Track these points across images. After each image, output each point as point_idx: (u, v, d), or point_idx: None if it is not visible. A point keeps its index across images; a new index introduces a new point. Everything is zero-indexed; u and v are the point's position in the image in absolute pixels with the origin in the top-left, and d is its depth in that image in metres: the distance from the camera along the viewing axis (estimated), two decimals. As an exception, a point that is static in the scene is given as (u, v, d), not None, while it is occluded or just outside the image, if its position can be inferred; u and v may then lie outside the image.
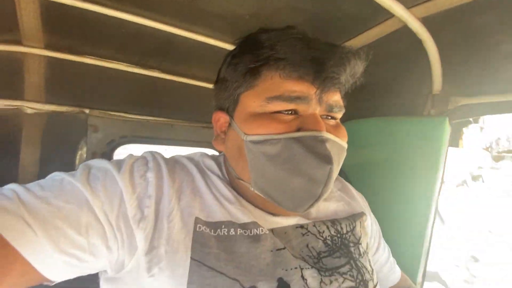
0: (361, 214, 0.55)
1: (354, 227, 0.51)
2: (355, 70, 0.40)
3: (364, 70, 0.42)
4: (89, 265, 0.36)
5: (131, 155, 0.45)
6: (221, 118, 0.48)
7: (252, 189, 0.43)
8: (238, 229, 0.41)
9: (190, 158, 0.51)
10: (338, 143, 0.42)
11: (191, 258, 0.37)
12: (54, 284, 0.35)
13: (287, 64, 0.39)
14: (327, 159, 0.39)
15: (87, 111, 0.83)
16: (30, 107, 0.75)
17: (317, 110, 0.41)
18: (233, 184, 0.48)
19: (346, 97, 0.47)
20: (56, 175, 0.38)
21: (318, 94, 0.40)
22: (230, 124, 0.46)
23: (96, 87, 0.82)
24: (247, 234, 0.42)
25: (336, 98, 0.43)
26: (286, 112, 0.41)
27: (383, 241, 0.62)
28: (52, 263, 0.32)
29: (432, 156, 0.66)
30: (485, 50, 0.57)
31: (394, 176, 0.75)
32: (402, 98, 0.75)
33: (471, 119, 0.68)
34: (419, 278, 0.70)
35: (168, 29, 0.64)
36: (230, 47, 0.84)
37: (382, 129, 0.79)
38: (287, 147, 0.39)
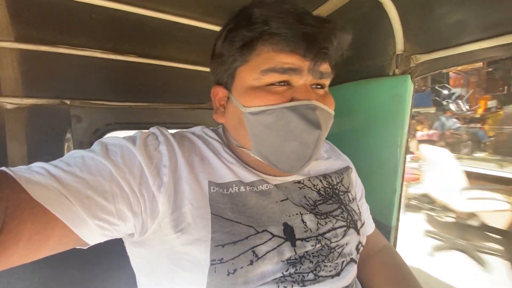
0: (347, 168, 0.63)
1: (342, 179, 0.59)
2: (341, 43, 0.45)
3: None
4: (119, 229, 0.40)
5: (140, 131, 0.48)
6: (219, 92, 0.51)
7: (253, 155, 0.49)
8: (247, 187, 0.48)
9: (192, 131, 0.55)
10: (326, 111, 0.47)
11: (211, 213, 0.43)
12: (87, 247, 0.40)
13: (280, 39, 0.42)
14: (316, 125, 0.44)
15: (68, 102, 0.83)
16: (10, 102, 0.75)
17: (308, 80, 0.46)
18: (234, 152, 0.53)
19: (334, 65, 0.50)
20: (76, 153, 0.41)
21: (309, 66, 0.44)
22: (228, 98, 0.49)
23: (74, 77, 0.82)
24: (254, 190, 0.48)
25: (325, 66, 0.47)
26: (279, 84, 0.45)
27: (364, 194, 0.70)
28: (88, 227, 0.37)
29: (399, 110, 0.73)
30: (439, 8, 0.62)
31: (369, 131, 0.82)
32: (370, 61, 0.80)
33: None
34: (394, 222, 0.79)
35: (138, 11, 0.65)
36: (205, 25, 0.86)
37: (355, 92, 0.85)
38: (282, 116, 0.44)
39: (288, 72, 0.44)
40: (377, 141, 0.80)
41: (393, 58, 0.74)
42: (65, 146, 0.85)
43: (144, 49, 0.83)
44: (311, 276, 0.46)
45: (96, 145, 0.43)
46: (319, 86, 0.49)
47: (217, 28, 0.89)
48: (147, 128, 0.51)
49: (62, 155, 0.85)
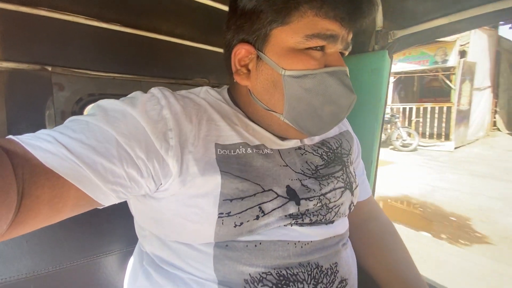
0: (347, 132, 0.67)
1: (341, 143, 0.63)
2: (373, 12, 0.47)
3: None
4: (132, 190, 0.41)
5: (141, 93, 0.47)
6: (243, 51, 0.48)
7: (283, 118, 0.49)
8: (253, 149, 0.49)
9: (196, 93, 0.54)
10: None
11: (220, 170, 0.44)
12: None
13: (325, 3, 0.42)
14: (351, 90, 0.48)
15: (49, 68, 0.81)
16: (-13, 64, 0.72)
17: (339, 48, 0.47)
18: (247, 112, 0.53)
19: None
20: (78, 118, 0.41)
21: (343, 34, 0.46)
22: (258, 58, 0.48)
23: (55, 42, 0.79)
24: (259, 152, 0.50)
25: (351, 37, 0.49)
26: (316, 49, 0.45)
27: (360, 156, 0.73)
28: (102, 191, 0.38)
29: (377, 84, 0.77)
30: None
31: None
32: (353, 37, 0.83)
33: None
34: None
35: None
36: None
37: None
38: (322, 81, 0.45)
39: (329, 39, 0.44)
40: (357, 114, 0.84)
41: (372, 35, 0.78)
42: (46, 114, 0.84)
43: (131, 18, 0.82)
44: (307, 221, 0.50)
45: (95, 109, 0.43)
46: (341, 54, 0.50)
47: (209, 2, 0.90)
48: None
49: (43, 123, 0.84)
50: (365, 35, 0.78)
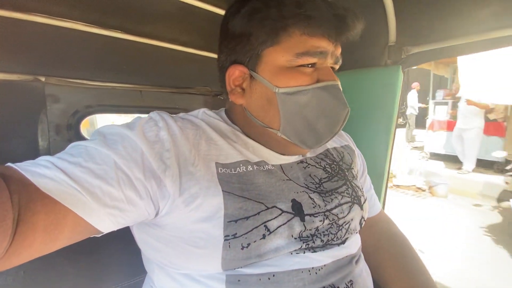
0: (348, 146, 0.67)
1: (343, 156, 0.63)
2: (359, 29, 0.48)
3: None
4: (130, 215, 0.40)
5: (139, 117, 0.47)
6: (236, 72, 0.50)
7: (280, 134, 0.50)
8: (254, 166, 0.49)
9: (194, 115, 0.54)
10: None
11: (222, 190, 0.44)
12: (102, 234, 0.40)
13: (311, 22, 0.44)
14: (344, 103, 0.48)
15: (42, 79, 0.74)
16: (-26, 75, 0.65)
17: (330, 63, 0.49)
18: (245, 131, 0.54)
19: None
20: (77, 144, 0.41)
21: (332, 49, 0.47)
22: (252, 78, 0.49)
23: (50, 51, 0.73)
24: (260, 169, 0.49)
25: (340, 51, 0.50)
26: (307, 66, 0.47)
27: (366, 171, 0.73)
28: (99, 215, 0.37)
29: (389, 100, 0.77)
30: (433, 2, 0.66)
31: (360, 119, 0.86)
32: (363, 51, 0.83)
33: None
34: (381, 206, 0.84)
35: None
36: (199, 4, 0.81)
37: (348, 81, 0.87)
38: (315, 96, 0.47)
39: (319, 56, 0.46)
40: (368, 129, 0.84)
41: (385, 49, 0.77)
42: (39, 128, 0.77)
43: (131, 25, 0.76)
44: (319, 242, 0.49)
45: (94, 136, 0.43)
46: (332, 69, 0.52)
47: (211, 8, 0.86)
48: (132, 112, 0.49)
49: (35, 137, 0.77)
50: (378, 49, 0.78)
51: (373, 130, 0.82)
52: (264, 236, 0.43)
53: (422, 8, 0.68)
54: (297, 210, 0.47)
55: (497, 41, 0.59)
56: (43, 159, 0.38)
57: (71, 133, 0.79)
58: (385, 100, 0.78)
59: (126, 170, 0.39)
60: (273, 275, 0.44)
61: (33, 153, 0.75)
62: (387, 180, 0.83)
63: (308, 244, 0.47)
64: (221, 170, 0.46)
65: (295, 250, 0.46)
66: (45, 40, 0.69)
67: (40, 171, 0.35)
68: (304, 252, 0.47)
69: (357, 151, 0.70)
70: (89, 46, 0.75)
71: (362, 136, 0.86)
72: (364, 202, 0.58)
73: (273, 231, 0.44)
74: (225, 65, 0.52)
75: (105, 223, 0.38)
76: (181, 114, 0.53)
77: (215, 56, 1.03)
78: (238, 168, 0.47)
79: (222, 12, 0.87)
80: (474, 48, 0.63)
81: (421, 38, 0.71)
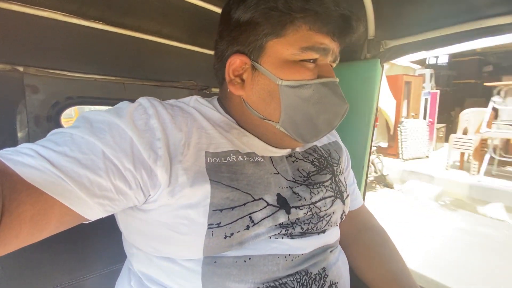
0: (335, 142, 0.69)
1: (330, 152, 0.64)
2: (360, 31, 0.50)
3: None
4: (120, 203, 0.40)
5: (127, 103, 0.46)
6: (237, 62, 0.49)
7: (278, 127, 0.50)
8: (244, 156, 0.49)
9: (185, 102, 0.53)
10: None
11: (210, 179, 0.44)
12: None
13: (318, 19, 0.45)
14: (344, 99, 0.50)
15: (21, 69, 0.74)
16: None
17: (330, 60, 0.50)
18: (240, 121, 0.53)
19: None
20: (61, 131, 0.40)
21: (334, 48, 0.48)
22: (253, 69, 0.49)
23: (28, 40, 0.72)
24: (250, 160, 0.49)
25: (339, 50, 0.51)
26: (309, 61, 0.47)
27: (350, 166, 0.74)
28: (88, 206, 0.36)
29: (369, 92, 0.78)
30: None
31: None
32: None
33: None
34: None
35: None
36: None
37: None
38: (317, 91, 0.47)
39: (321, 52, 0.47)
40: (348, 122, 0.85)
41: (364, 43, 0.79)
42: (18, 119, 0.76)
43: (113, 16, 0.76)
44: (299, 229, 0.50)
45: (79, 121, 0.41)
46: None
47: (196, 2, 0.86)
48: (114, 105, 0.48)
49: (14, 129, 0.76)
50: (357, 43, 0.79)
51: (353, 123, 0.83)
52: (248, 227, 0.44)
53: (400, 2, 0.70)
54: (282, 203, 0.48)
55: (471, 33, 0.61)
56: (25, 147, 0.36)
57: (51, 124, 0.79)
58: (365, 94, 0.80)
59: (115, 161, 0.38)
60: (249, 258, 0.45)
61: (11, 144, 0.74)
62: (367, 172, 0.84)
63: (288, 230, 0.48)
64: (210, 159, 0.46)
65: (274, 235, 0.47)
66: (23, 29, 0.69)
67: (23, 160, 0.34)
68: (282, 238, 0.47)
69: (344, 148, 0.72)
70: (68, 37, 0.75)
71: (342, 129, 0.87)
72: (346, 198, 0.60)
73: (257, 222, 0.45)
74: (225, 54, 0.51)
75: (93, 212, 0.38)
76: (171, 101, 0.52)
77: (200, 50, 1.03)
78: (228, 158, 0.47)
79: (206, 6, 0.88)
80: (449, 41, 0.64)
81: (399, 32, 0.73)
